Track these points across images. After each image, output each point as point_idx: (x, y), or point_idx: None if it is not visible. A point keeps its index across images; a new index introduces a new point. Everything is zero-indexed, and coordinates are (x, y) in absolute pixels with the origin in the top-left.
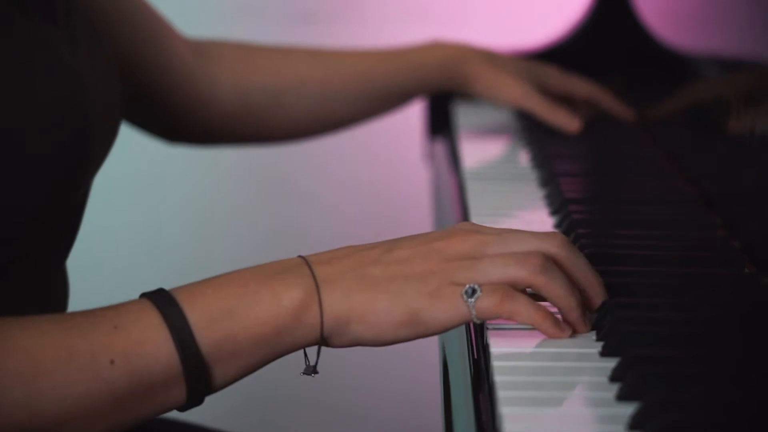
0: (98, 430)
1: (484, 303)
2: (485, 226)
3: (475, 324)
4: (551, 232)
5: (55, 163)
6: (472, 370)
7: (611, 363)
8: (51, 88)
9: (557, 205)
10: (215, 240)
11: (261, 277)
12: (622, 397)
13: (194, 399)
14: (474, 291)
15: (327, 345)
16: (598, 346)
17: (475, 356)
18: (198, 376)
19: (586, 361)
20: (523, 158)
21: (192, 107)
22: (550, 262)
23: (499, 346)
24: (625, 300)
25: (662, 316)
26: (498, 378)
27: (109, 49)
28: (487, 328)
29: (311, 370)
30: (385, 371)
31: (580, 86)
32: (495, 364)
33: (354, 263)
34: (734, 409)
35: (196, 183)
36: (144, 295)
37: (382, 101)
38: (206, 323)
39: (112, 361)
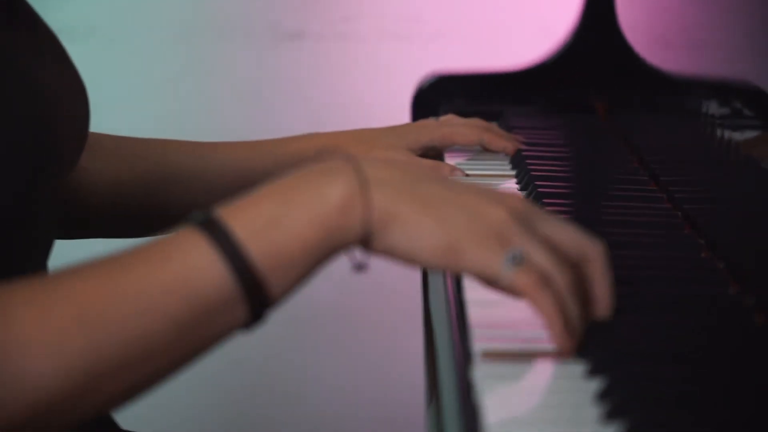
0: (164, 366)
1: (520, 277)
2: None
3: (463, 337)
4: (597, 238)
5: (14, 173)
6: (459, 387)
7: (597, 381)
8: (11, 98)
9: None
10: None
11: (304, 180)
12: (608, 416)
13: (257, 315)
14: (519, 260)
15: (367, 247)
16: (584, 364)
17: (462, 372)
18: (255, 292)
19: (571, 380)
20: (508, 178)
21: (71, 199)
22: (581, 289)
23: (486, 363)
24: (611, 320)
25: (647, 335)
26: (486, 399)
27: (73, 63)
28: (475, 349)
29: (362, 266)
30: (368, 396)
31: (463, 136)
32: (483, 383)
33: (407, 173)
34: (720, 427)
35: None
36: (188, 221)
37: None
38: (254, 236)
39: (166, 292)
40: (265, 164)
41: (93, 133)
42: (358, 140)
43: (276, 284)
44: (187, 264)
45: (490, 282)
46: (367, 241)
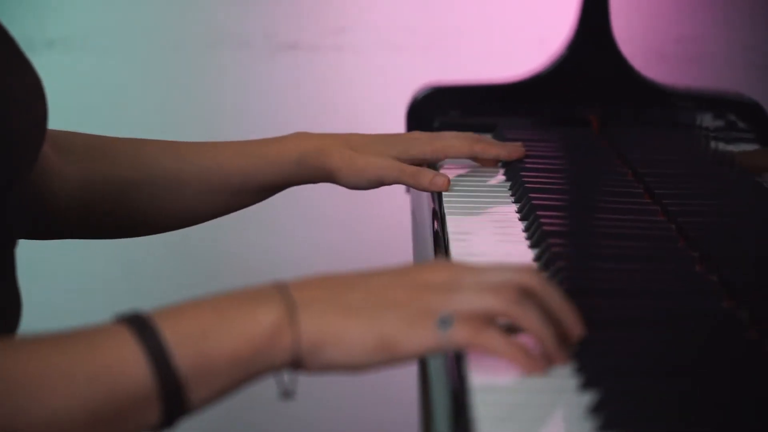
0: None
1: (458, 334)
2: (463, 262)
3: (456, 355)
4: (525, 265)
5: None
6: (452, 401)
7: (591, 395)
8: None
9: (537, 238)
10: (187, 256)
11: (237, 301)
12: (600, 429)
13: (169, 420)
14: (448, 321)
15: (302, 368)
16: (577, 378)
17: (455, 388)
18: (173, 397)
19: (564, 394)
20: (503, 190)
21: (41, 200)
22: (525, 294)
23: (479, 378)
24: (603, 333)
25: (640, 349)
26: (478, 412)
27: (30, 63)
28: (468, 362)
29: (287, 393)
30: (362, 406)
31: (456, 149)
32: (476, 398)
33: (329, 288)
34: None
35: None
36: (119, 317)
37: (237, 195)
38: (181, 344)
39: (88, 379)
40: (246, 166)
41: (64, 133)
42: (345, 144)
43: (195, 393)
44: (113, 356)
45: (437, 353)
46: (298, 364)
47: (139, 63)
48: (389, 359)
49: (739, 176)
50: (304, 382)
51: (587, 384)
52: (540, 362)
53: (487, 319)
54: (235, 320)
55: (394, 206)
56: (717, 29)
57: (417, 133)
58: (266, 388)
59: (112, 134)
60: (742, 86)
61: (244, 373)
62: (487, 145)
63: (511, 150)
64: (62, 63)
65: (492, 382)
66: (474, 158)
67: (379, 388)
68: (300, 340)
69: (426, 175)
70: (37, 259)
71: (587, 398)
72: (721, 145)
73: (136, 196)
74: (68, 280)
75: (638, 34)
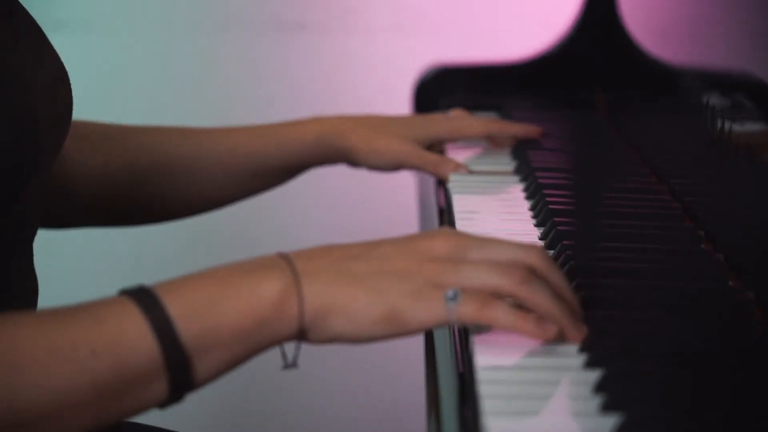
0: (80, 425)
1: (465, 308)
2: (467, 232)
3: (461, 333)
4: (531, 244)
5: None
6: (458, 382)
7: (595, 374)
8: None
9: (543, 217)
10: (199, 243)
11: (241, 272)
12: (606, 408)
13: (175, 394)
14: (455, 295)
15: (306, 340)
16: (582, 358)
17: (461, 369)
18: (179, 369)
19: (569, 373)
20: (509, 170)
21: (59, 188)
22: (533, 274)
23: (484, 357)
24: (609, 312)
25: (646, 328)
26: (483, 389)
27: (55, 52)
28: (473, 342)
29: (291, 364)
30: (368, 385)
31: (471, 127)
32: (480, 376)
33: (335, 259)
34: (718, 422)
35: None
36: (123, 291)
37: (255, 179)
38: (186, 315)
39: (93, 353)
40: (265, 149)
41: (82, 122)
42: (363, 126)
43: (201, 366)
44: (117, 330)
45: (442, 326)
46: (305, 335)
47: (146, 44)
48: (395, 331)
49: (746, 156)
50: (307, 361)
51: (592, 363)
52: (550, 328)
53: (494, 294)
54: (240, 292)
55: (399, 184)
56: (724, 9)
57: (433, 114)
58: (268, 364)
59: (119, 116)
60: (750, 66)
61: (249, 345)
62: (503, 124)
63: (528, 128)
64: (68, 44)
65: (497, 361)
66: (490, 138)
67: (384, 367)
68: (305, 310)
69: (448, 165)
70: (52, 247)
71: (593, 376)
72: (729, 125)
73: (154, 182)
74: (83, 268)
75: (645, 13)
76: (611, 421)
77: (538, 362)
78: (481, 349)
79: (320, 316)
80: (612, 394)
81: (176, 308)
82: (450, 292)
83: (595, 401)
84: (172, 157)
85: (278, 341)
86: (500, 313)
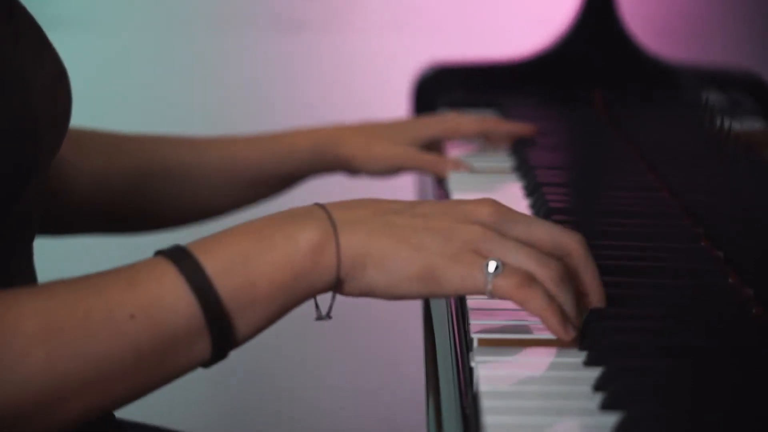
0: (124, 392)
1: (503, 282)
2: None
3: (461, 330)
4: (573, 231)
5: None
6: (458, 379)
7: (595, 372)
8: None
9: (542, 214)
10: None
11: (275, 223)
12: (605, 406)
13: (218, 352)
14: (497, 267)
15: (341, 291)
16: (582, 356)
17: (461, 365)
18: (220, 326)
19: (570, 371)
20: (508, 168)
21: (56, 195)
22: (568, 277)
23: (484, 354)
24: (609, 310)
25: (645, 326)
26: (483, 387)
27: (55, 51)
28: (473, 340)
29: (325, 316)
30: (369, 382)
31: (466, 125)
32: (480, 372)
33: (375, 210)
34: (717, 420)
35: None
36: (158, 252)
37: (254, 187)
38: (223, 271)
39: (131, 316)
40: (262, 158)
41: (79, 129)
42: (359, 134)
43: (241, 322)
44: (154, 292)
45: (476, 294)
46: (340, 286)
47: (144, 42)
48: (429, 291)
49: (745, 153)
50: (307, 359)
51: (592, 362)
52: (570, 331)
53: (532, 276)
54: (276, 244)
55: (397, 184)
56: (723, 5)
57: (427, 117)
58: (267, 361)
59: (118, 115)
60: (749, 63)
61: (289, 297)
62: (497, 122)
63: (522, 126)
64: (67, 42)
65: (496, 359)
66: (485, 136)
67: (382, 365)
68: (342, 259)
69: (447, 164)
70: (52, 247)
71: (593, 374)
72: (727, 122)
73: (150, 190)
74: (83, 269)
75: (643, 10)
76: (612, 419)
77: (539, 359)
78: (481, 345)
79: (358, 266)
80: (611, 392)
81: (213, 266)
82: (493, 264)
83: (596, 399)
84: (168, 166)
85: (317, 292)
86: (535, 296)
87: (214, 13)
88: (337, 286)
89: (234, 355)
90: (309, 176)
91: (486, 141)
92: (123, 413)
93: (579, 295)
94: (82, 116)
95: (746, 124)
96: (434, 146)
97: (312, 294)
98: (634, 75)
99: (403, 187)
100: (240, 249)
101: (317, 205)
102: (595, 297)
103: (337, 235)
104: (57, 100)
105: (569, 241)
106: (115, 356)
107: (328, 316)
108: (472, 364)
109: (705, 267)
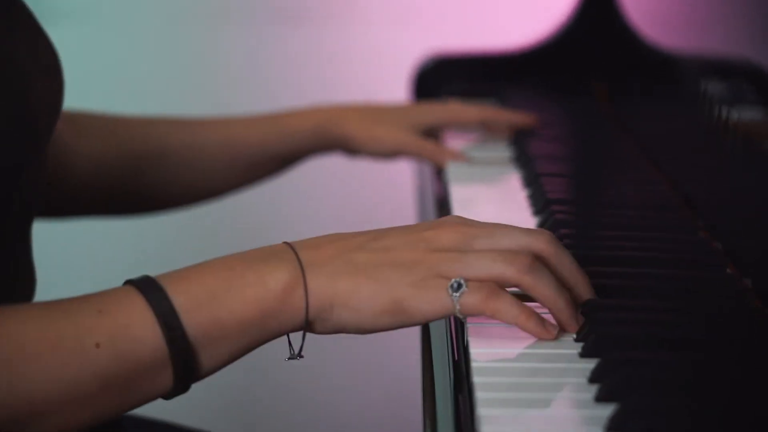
0: (87, 418)
1: (469, 299)
2: (473, 220)
3: (457, 321)
4: (539, 229)
5: None
6: (452, 371)
7: (591, 364)
8: None
9: (540, 205)
10: (197, 235)
11: (246, 262)
12: (601, 398)
13: (181, 385)
14: (460, 285)
15: (311, 331)
16: (578, 347)
17: (456, 358)
18: (185, 360)
19: (565, 362)
20: (507, 159)
21: (56, 178)
22: (538, 262)
23: (478, 347)
24: (606, 301)
25: (642, 317)
26: (477, 379)
27: (48, 39)
28: (468, 331)
29: (296, 355)
30: (365, 375)
31: (466, 113)
32: (474, 365)
33: (340, 249)
34: (712, 414)
35: None
36: (128, 282)
37: (253, 168)
38: (191, 306)
39: (98, 345)
40: (263, 138)
41: (78, 112)
42: (360, 114)
43: (205, 357)
44: (122, 321)
45: (447, 316)
46: (311, 326)
47: (145, 36)
48: (399, 322)
49: (745, 144)
50: (306, 356)
51: (588, 353)
52: (550, 329)
53: (499, 285)
54: (246, 283)
55: (395, 174)
56: None
57: (429, 103)
58: (266, 357)
59: (118, 108)
60: (749, 52)
61: (255, 336)
62: (498, 112)
63: (523, 117)
64: (68, 36)
65: (492, 350)
66: (485, 125)
67: (380, 360)
68: (310, 301)
69: (446, 154)
70: (51, 239)
71: (590, 365)
72: (728, 113)
73: (150, 172)
74: (82, 262)
75: (644, 0)
76: (607, 411)
77: (534, 351)
78: (476, 337)
79: (325, 307)
80: (607, 384)
81: (182, 299)
82: (454, 283)
83: (592, 391)
84: (168, 147)
85: (284, 332)
86: (504, 306)
87: (215, 6)
88: (307, 326)
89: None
90: (308, 156)
91: (486, 131)
92: None
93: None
94: (84, 109)
95: (746, 115)
96: (433, 134)
97: (280, 333)
98: (634, 65)
99: (403, 183)
100: (210, 285)
101: (287, 244)
102: (581, 288)
103: (305, 279)
104: (50, 88)
105: (536, 242)
106: (80, 383)
107: (300, 355)
108: (470, 355)
109: (703, 258)
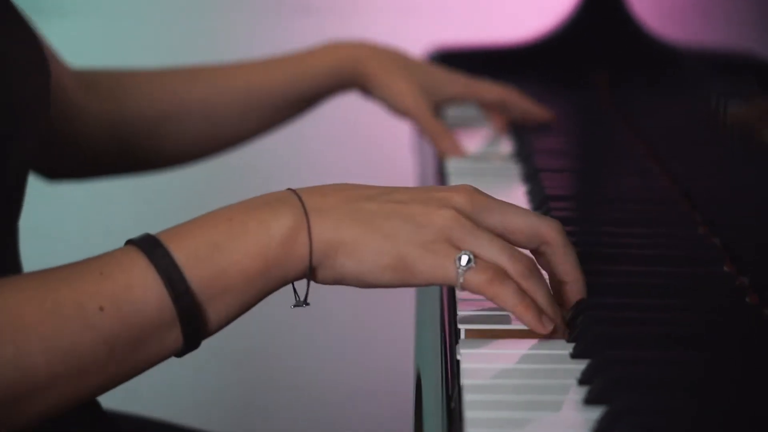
0: (96, 384)
1: (474, 276)
2: (487, 194)
3: (450, 319)
4: (550, 218)
5: None
6: (443, 369)
7: (582, 365)
8: None
9: (539, 201)
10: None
11: (247, 209)
12: (590, 400)
13: (191, 342)
14: (468, 260)
15: (314, 279)
16: (569, 348)
17: (447, 353)
18: (191, 316)
19: (556, 363)
20: (507, 153)
21: (72, 141)
22: (538, 271)
23: (469, 345)
24: (599, 300)
25: (636, 316)
26: (466, 381)
27: (30, 28)
28: (462, 333)
29: (302, 302)
30: (365, 374)
31: (489, 91)
32: (465, 365)
33: (348, 197)
34: (702, 416)
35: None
36: (129, 242)
37: (276, 113)
38: (194, 261)
39: (101, 308)
40: (282, 82)
41: (91, 71)
42: (380, 59)
43: (213, 313)
44: (123, 283)
45: (447, 285)
46: (313, 273)
47: (147, 27)
48: (400, 281)
49: (746, 139)
50: (304, 354)
51: (579, 354)
52: (547, 324)
53: (503, 272)
54: (248, 232)
55: (397, 166)
56: None
57: (453, 72)
58: (259, 354)
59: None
60: (753, 45)
61: (260, 287)
62: (520, 97)
63: (541, 111)
64: (69, 29)
65: (482, 349)
66: (504, 107)
67: (380, 361)
68: (315, 246)
69: (448, 141)
70: (37, 233)
71: (581, 366)
72: (730, 106)
73: (167, 128)
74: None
75: None
76: (596, 413)
77: (524, 351)
78: (467, 337)
79: (329, 254)
80: (596, 386)
81: (183, 255)
82: (465, 258)
83: (581, 393)
84: (185, 101)
85: (288, 281)
86: (506, 292)
87: None
88: (310, 273)
89: (229, 343)
90: (328, 96)
91: (495, 119)
92: (112, 404)
93: (558, 283)
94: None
95: (749, 108)
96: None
97: (284, 282)
98: (638, 58)
99: (404, 178)
100: (211, 237)
101: (290, 190)
102: (575, 285)
103: (310, 223)
104: (32, 83)
105: (547, 229)
106: (86, 349)
107: (305, 302)
108: (458, 356)
109: (701, 254)
